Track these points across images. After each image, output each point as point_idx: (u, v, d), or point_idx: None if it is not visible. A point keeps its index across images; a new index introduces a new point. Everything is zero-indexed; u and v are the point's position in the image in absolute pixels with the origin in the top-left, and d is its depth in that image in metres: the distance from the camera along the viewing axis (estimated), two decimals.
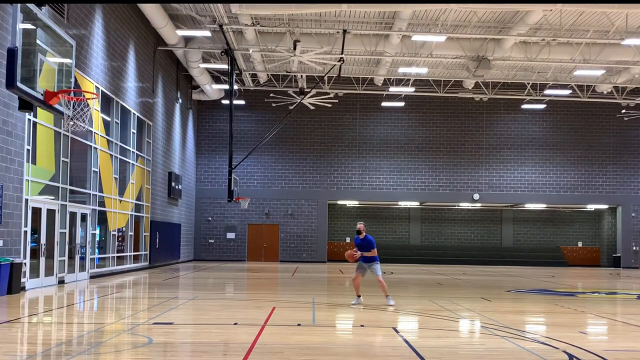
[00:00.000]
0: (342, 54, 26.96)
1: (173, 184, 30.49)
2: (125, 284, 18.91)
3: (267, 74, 34.39)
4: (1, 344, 8.32)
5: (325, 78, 33.65)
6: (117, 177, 22.86)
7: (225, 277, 23.48)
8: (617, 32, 26.24)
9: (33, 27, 10.43)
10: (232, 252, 37.08)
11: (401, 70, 31.26)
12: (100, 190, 21.19)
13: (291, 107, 33.12)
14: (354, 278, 13.95)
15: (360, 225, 13.70)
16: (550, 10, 23.49)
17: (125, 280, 20.46)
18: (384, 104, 37.08)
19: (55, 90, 11.04)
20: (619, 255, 38.03)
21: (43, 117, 16.47)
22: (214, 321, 10.98)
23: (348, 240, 38.87)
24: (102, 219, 21.69)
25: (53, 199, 17.56)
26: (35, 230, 16.40)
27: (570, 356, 7.96)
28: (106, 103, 21.79)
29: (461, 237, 40.03)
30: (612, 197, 37.96)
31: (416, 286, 20.14)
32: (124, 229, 23.96)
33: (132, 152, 24.58)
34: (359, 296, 13.79)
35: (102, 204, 21.46)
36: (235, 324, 10.51)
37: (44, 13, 11.87)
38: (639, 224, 37.93)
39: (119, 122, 22.86)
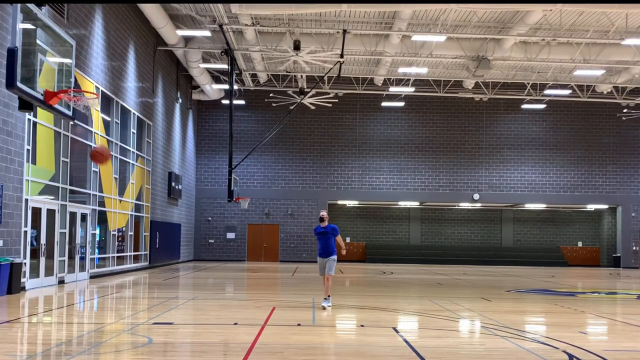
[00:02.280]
0: (342, 54, 26.96)
1: (173, 184, 30.49)
2: (125, 284, 18.90)
3: (267, 74, 34.39)
4: (1, 344, 8.32)
5: (325, 78, 33.65)
6: (117, 177, 22.86)
7: (225, 277, 23.47)
8: (617, 32, 26.24)
9: (33, 27, 10.43)
10: (232, 252, 37.08)
11: (401, 70, 31.26)
12: (100, 190, 21.19)
13: (291, 107, 33.12)
14: (323, 282, 13.30)
15: (323, 213, 13.30)
16: (550, 10, 23.50)
17: (125, 280, 20.46)
18: (384, 104, 37.09)
19: (55, 90, 11.04)
20: (619, 255, 38.03)
21: (43, 117, 16.47)
22: (214, 321, 10.97)
23: (348, 240, 38.84)
24: (102, 219, 21.69)
25: (53, 199, 17.56)
26: (35, 230, 16.40)
27: (570, 356, 7.96)
28: (106, 103, 21.79)
29: (461, 237, 40.02)
30: (612, 197, 37.96)
31: (416, 286, 20.13)
32: (124, 229, 23.96)
33: (132, 152, 24.59)
34: (326, 298, 13.15)
35: (102, 204, 21.47)
36: (235, 324, 10.51)
37: (44, 13, 11.87)
38: (639, 224, 37.93)
39: (119, 122, 22.87)
